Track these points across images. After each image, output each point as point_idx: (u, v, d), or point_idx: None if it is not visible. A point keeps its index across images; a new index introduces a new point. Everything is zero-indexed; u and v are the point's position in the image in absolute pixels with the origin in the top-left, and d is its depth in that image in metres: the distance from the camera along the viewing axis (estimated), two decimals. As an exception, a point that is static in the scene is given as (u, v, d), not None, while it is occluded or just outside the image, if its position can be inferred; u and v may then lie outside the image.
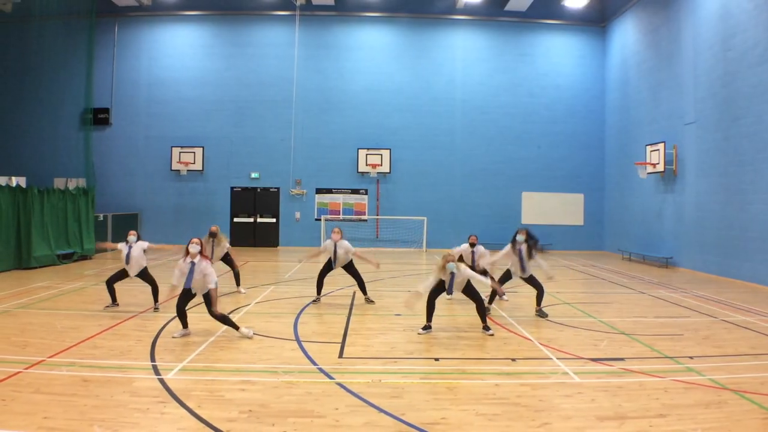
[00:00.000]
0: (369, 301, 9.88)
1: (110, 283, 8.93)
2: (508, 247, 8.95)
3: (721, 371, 5.99)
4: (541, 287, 8.97)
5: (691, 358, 6.53)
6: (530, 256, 8.82)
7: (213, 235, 10.49)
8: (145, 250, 8.90)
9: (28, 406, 4.69)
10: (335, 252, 9.62)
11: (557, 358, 6.44)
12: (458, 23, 21.10)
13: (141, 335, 7.20)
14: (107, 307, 8.93)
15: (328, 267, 9.85)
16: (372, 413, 4.73)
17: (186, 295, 7.23)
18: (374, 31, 21.13)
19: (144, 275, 8.99)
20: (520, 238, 8.85)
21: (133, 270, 8.84)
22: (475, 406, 4.93)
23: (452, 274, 7.42)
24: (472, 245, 9.93)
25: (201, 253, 7.25)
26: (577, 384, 5.55)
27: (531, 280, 8.94)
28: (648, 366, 6.17)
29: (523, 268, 8.85)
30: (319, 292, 9.95)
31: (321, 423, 4.52)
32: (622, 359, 6.43)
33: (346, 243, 9.70)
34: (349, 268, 9.87)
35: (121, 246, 8.89)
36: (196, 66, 20.80)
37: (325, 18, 20.96)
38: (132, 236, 8.89)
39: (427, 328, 7.70)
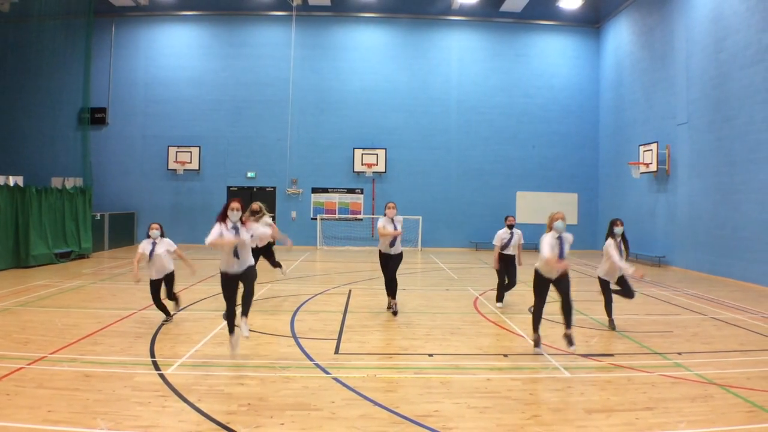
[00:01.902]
0: (393, 311, 8.84)
1: (156, 301, 7.72)
2: (611, 241, 7.71)
3: (708, 367, 6.14)
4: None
5: (679, 354, 6.68)
6: (628, 250, 7.85)
7: (255, 213, 9.12)
8: (170, 252, 7.67)
9: (32, 400, 4.79)
10: (394, 226, 8.57)
11: (548, 354, 6.58)
12: (454, 24, 21.23)
13: (140, 332, 7.31)
14: (164, 321, 7.81)
15: (386, 259, 8.81)
16: (367, 406, 4.86)
17: (228, 282, 6.12)
18: (370, 31, 21.25)
19: (169, 282, 7.74)
20: (619, 230, 7.76)
21: (157, 271, 7.58)
22: (467, 400, 5.07)
23: (560, 238, 6.45)
24: (510, 227, 9.53)
25: (242, 219, 6.11)
26: (567, 378, 5.69)
27: (624, 282, 7.89)
28: (637, 361, 6.32)
29: (619, 267, 7.57)
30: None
31: (318, 415, 4.64)
32: (611, 355, 6.58)
33: (401, 219, 8.79)
34: (397, 260, 8.80)
35: (144, 244, 7.61)
36: (193, 66, 20.87)
37: (322, 18, 21.06)
38: (155, 230, 7.63)
39: (537, 341, 6.72)
